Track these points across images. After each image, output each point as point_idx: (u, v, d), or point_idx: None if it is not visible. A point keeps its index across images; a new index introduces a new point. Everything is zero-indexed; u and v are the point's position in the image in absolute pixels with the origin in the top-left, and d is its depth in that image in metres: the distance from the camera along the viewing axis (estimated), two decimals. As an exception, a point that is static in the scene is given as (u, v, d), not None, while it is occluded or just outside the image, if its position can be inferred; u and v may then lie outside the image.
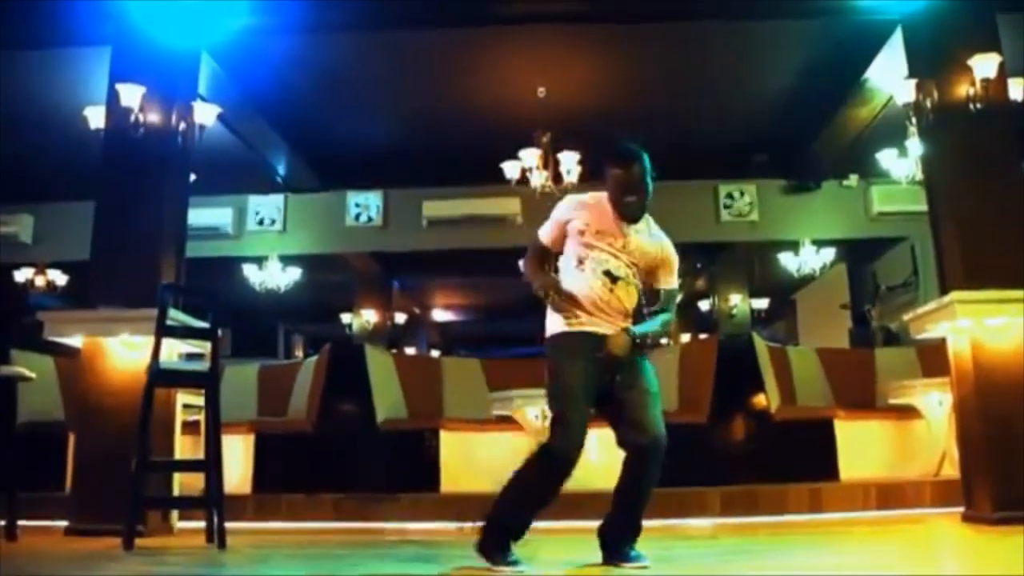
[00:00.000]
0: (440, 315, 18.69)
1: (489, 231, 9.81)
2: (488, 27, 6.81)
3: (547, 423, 4.67)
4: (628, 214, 3.07)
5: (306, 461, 5.63)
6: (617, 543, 3.04)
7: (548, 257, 3.26)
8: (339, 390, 5.81)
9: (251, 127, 8.36)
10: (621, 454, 3.05)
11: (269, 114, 8.36)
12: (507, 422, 5.64)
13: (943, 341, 4.78)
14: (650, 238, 3.13)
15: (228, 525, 3.84)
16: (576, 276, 3.07)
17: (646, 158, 3.09)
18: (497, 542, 2.93)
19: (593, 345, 3.02)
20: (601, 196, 3.15)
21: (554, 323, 3.11)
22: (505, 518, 2.98)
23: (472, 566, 2.93)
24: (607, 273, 3.03)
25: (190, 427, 4.93)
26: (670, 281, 3.19)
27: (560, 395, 3.04)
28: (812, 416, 5.75)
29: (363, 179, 10.06)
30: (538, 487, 3.01)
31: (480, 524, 2.96)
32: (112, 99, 4.96)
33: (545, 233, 3.23)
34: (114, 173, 4.98)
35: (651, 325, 3.13)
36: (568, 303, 3.04)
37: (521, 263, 3.26)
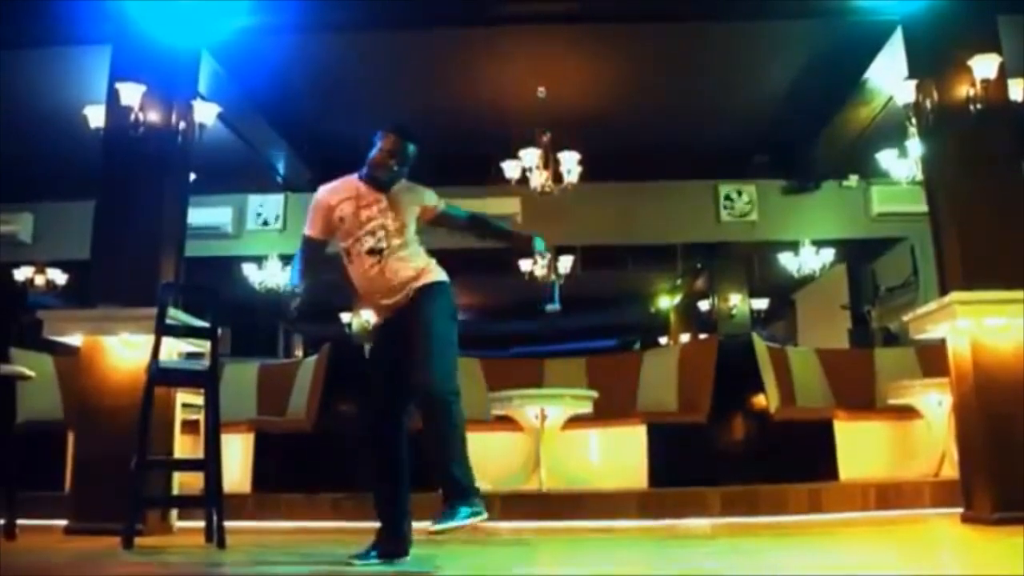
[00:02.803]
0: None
1: (488, 231, 9.80)
2: (488, 27, 6.81)
3: (546, 422, 4.68)
4: (383, 177, 3.25)
5: (305, 460, 5.64)
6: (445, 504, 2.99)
7: (320, 252, 3.35)
8: (338, 389, 5.81)
9: (251, 126, 8.36)
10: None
11: (269, 113, 8.36)
12: (506, 422, 5.64)
13: (943, 342, 4.78)
14: (405, 191, 3.34)
15: (227, 524, 3.84)
16: (350, 271, 3.24)
17: (415, 147, 3.32)
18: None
19: (382, 331, 3.24)
20: (346, 179, 3.32)
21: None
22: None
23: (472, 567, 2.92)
24: (371, 252, 3.16)
25: (190, 426, 4.93)
26: (437, 203, 3.42)
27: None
28: (812, 416, 5.76)
29: (363, 178, 10.05)
30: (370, 468, 3.15)
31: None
32: (112, 98, 4.96)
33: (310, 226, 3.32)
34: (114, 172, 4.97)
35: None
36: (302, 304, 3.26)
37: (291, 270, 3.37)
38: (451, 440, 2.92)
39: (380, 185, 3.25)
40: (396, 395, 3.12)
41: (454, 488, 2.90)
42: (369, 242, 3.17)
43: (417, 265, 3.24)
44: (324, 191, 3.34)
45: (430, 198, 3.41)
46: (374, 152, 3.25)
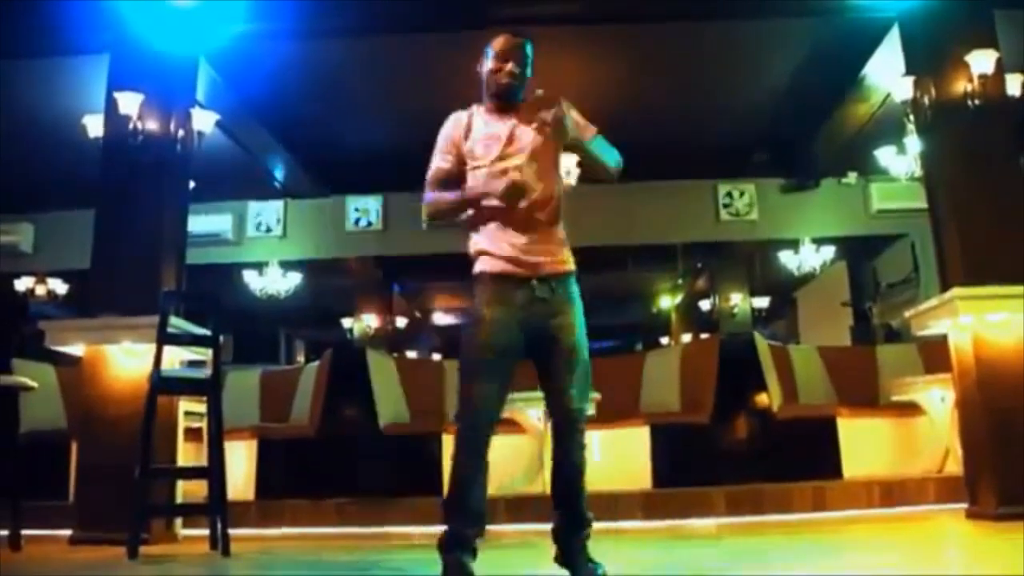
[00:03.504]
0: (441, 318, 18.69)
1: (489, 233, 9.80)
2: (485, 30, 6.81)
3: (549, 425, 4.62)
4: (504, 84, 2.88)
5: (309, 466, 5.63)
6: (567, 544, 2.83)
7: (454, 185, 2.85)
8: (341, 394, 5.80)
9: (249, 133, 8.35)
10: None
11: (267, 120, 8.36)
12: (509, 424, 5.63)
13: (945, 337, 4.78)
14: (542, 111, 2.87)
15: (232, 532, 3.85)
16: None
17: (531, 48, 2.98)
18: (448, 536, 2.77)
19: (516, 288, 2.71)
20: (473, 108, 2.95)
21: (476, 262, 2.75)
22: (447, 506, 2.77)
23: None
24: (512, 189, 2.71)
25: (193, 434, 4.93)
26: (585, 134, 2.92)
27: (467, 354, 2.72)
28: (815, 414, 5.75)
29: (362, 183, 10.06)
30: (455, 460, 2.79)
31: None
32: (110, 107, 4.97)
33: (441, 159, 2.87)
34: (113, 181, 4.98)
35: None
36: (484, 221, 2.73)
37: (426, 205, 2.86)
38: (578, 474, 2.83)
39: (501, 97, 2.98)
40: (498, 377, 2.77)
41: (580, 523, 2.87)
42: (507, 179, 2.86)
43: None
44: (454, 120, 3.01)
45: (581, 130, 3.07)
46: (488, 62, 2.97)
